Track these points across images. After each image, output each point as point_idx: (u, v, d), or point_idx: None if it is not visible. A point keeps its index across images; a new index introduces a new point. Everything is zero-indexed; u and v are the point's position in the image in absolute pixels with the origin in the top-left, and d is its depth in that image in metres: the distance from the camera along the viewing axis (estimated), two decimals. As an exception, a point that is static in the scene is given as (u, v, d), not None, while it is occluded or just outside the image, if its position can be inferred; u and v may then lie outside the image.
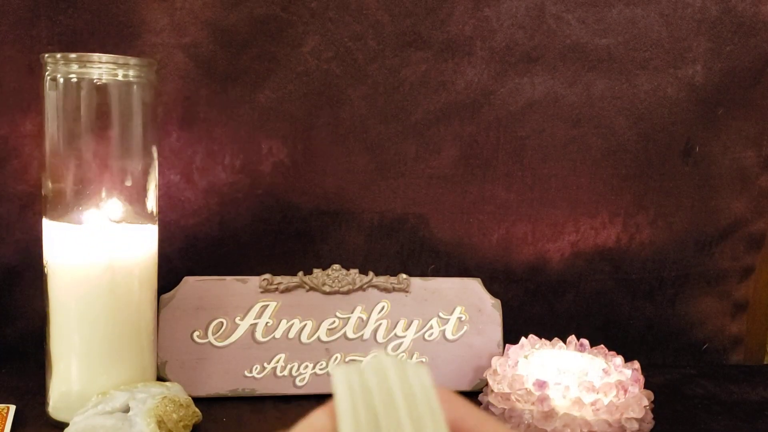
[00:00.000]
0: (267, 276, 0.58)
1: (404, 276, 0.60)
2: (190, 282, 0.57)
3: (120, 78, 0.47)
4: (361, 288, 0.59)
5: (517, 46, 0.63)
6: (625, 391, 0.52)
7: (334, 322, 0.59)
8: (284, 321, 0.58)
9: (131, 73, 0.48)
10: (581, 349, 0.58)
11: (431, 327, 0.60)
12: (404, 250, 0.65)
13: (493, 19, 0.62)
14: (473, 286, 0.61)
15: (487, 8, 0.62)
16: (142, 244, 0.50)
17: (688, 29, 0.65)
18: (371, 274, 0.59)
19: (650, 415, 0.53)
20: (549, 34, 0.63)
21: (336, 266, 0.59)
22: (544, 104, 0.64)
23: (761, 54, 0.67)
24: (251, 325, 0.57)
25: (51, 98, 0.47)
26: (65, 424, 0.47)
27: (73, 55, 0.47)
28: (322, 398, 0.58)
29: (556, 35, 0.63)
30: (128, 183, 0.49)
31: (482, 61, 0.63)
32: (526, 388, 0.52)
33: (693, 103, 0.66)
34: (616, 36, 0.64)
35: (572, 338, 0.58)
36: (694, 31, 0.65)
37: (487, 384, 0.56)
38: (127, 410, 0.46)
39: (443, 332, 0.60)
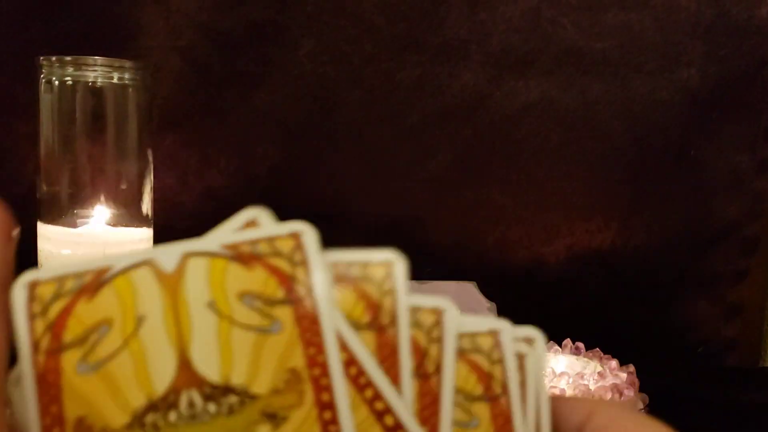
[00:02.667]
0: (262, 279, 0.58)
1: (400, 279, 0.60)
2: (185, 285, 0.57)
3: (115, 81, 0.47)
4: (357, 291, 0.59)
5: (513, 49, 0.63)
6: (621, 394, 0.52)
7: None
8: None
9: (126, 76, 0.48)
10: (576, 352, 0.58)
11: (427, 330, 0.60)
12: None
13: (489, 22, 0.62)
14: (469, 289, 0.61)
15: (483, 12, 0.62)
16: (137, 247, 0.50)
17: (683, 33, 0.65)
18: (367, 277, 0.59)
19: (645, 419, 0.53)
20: (544, 38, 0.63)
21: (331, 269, 0.59)
22: (540, 108, 0.64)
23: (755, 58, 0.67)
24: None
25: (46, 101, 0.47)
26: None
27: (68, 58, 0.47)
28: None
29: (552, 39, 0.63)
30: (123, 186, 0.49)
31: (478, 65, 0.63)
32: (522, 392, 0.52)
33: (687, 106, 0.67)
34: (611, 40, 0.64)
35: (567, 342, 0.58)
36: (689, 35, 0.65)
37: (482, 387, 0.56)
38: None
39: (439, 335, 0.60)
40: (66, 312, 0.15)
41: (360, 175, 0.63)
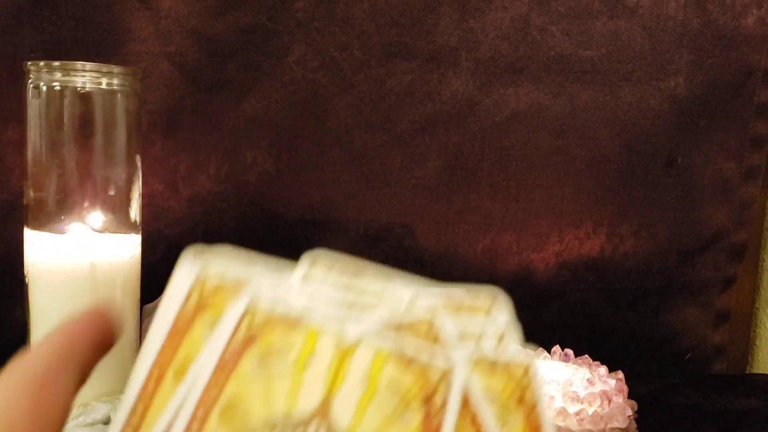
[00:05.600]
0: (251, 286, 0.57)
1: (389, 286, 0.60)
2: (173, 292, 0.56)
3: (104, 86, 0.47)
4: (346, 298, 0.59)
5: (502, 57, 0.63)
6: (609, 401, 0.52)
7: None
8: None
9: (115, 81, 0.47)
10: (565, 359, 0.58)
11: (416, 337, 0.60)
12: (389, 260, 0.65)
13: (479, 30, 0.62)
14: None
15: (473, 19, 0.62)
16: (125, 253, 0.50)
17: (671, 42, 0.66)
18: (356, 284, 0.59)
19: (634, 425, 0.53)
20: (533, 46, 0.64)
21: (321, 276, 0.59)
22: (529, 115, 0.65)
23: (742, 66, 0.67)
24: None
25: (34, 106, 0.47)
26: (45, 436, 0.46)
27: (56, 63, 0.46)
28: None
29: (541, 47, 0.64)
30: (111, 192, 0.48)
31: (467, 72, 0.63)
32: (511, 399, 0.52)
33: (675, 114, 0.67)
34: (599, 48, 0.65)
35: (556, 348, 0.59)
36: (677, 43, 0.66)
37: (472, 394, 0.56)
38: (108, 422, 0.46)
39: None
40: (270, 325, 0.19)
41: (349, 181, 0.63)
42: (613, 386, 0.54)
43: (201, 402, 0.18)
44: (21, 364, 0.18)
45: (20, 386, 0.17)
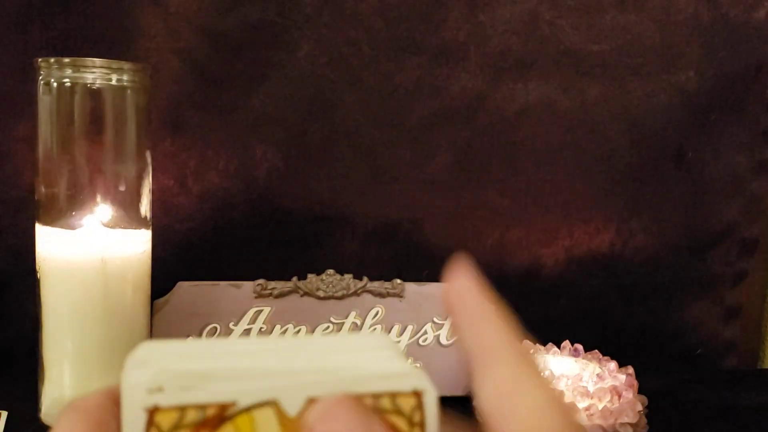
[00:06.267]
0: (261, 281, 0.58)
1: (398, 281, 0.60)
2: (183, 287, 0.57)
3: (114, 83, 0.47)
4: (356, 293, 0.59)
5: (511, 51, 0.63)
6: (619, 396, 0.52)
7: (328, 327, 0.58)
8: (278, 326, 0.58)
9: (125, 77, 0.48)
10: (575, 354, 0.58)
11: (425, 332, 0.60)
12: (398, 255, 0.65)
13: (488, 24, 0.62)
14: (467, 291, 0.61)
15: (482, 14, 0.62)
16: (136, 248, 0.50)
17: (681, 35, 0.65)
18: (365, 279, 0.59)
19: (644, 420, 0.53)
20: (543, 40, 0.63)
21: (330, 271, 0.59)
22: (538, 110, 0.64)
23: (753, 60, 0.67)
24: (245, 330, 0.57)
25: (44, 103, 0.47)
26: (57, 430, 0.46)
27: (66, 60, 0.47)
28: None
29: (550, 41, 0.63)
30: (122, 188, 0.49)
31: (476, 67, 0.63)
32: (521, 394, 0.52)
33: (686, 108, 0.67)
34: (609, 42, 0.64)
35: (566, 343, 0.58)
36: (687, 37, 0.65)
37: (481, 389, 0.56)
38: (119, 416, 0.46)
39: (437, 337, 0.60)
40: None
41: (358, 176, 0.63)
42: (623, 381, 0.53)
43: None
44: (81, 403, 0.18)
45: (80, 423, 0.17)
